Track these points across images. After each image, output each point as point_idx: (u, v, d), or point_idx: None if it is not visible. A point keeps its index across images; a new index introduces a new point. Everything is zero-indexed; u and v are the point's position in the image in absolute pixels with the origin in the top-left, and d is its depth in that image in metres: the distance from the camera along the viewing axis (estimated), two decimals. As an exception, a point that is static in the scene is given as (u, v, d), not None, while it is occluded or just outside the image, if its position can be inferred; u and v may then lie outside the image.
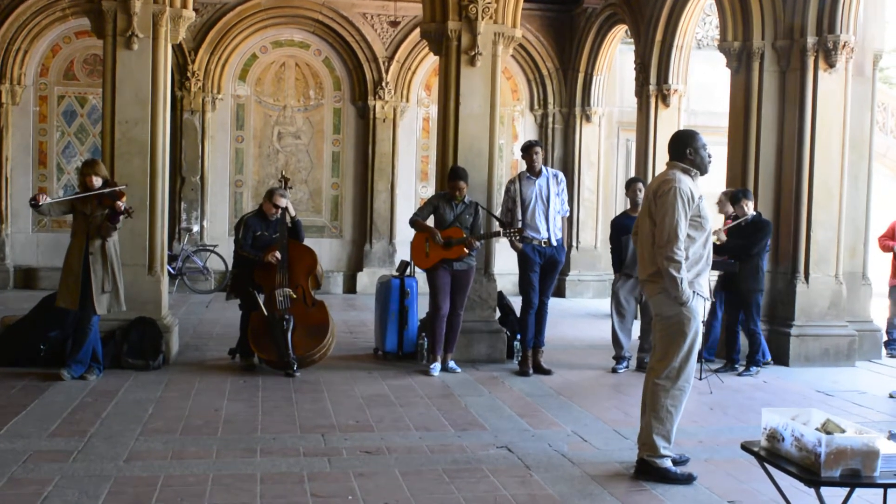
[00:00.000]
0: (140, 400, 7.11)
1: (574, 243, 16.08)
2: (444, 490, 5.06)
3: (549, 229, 8.70)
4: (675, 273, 5.28)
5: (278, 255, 8.42)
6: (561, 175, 8.99)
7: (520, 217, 8.74)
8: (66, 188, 14.82)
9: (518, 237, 8.59)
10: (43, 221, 14.83)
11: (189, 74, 15.18)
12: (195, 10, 10.32)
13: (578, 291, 16.05)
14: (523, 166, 8.96)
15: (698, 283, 5.41)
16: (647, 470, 5.39)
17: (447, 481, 5.22)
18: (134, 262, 8.59)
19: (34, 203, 7.59)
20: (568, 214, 9.07)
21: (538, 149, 8.83)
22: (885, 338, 10.71)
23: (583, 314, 13.73)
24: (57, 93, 15.20)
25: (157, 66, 8.76)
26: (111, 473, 5.19)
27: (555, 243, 8.74)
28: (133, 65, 8.68)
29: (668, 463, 5.36)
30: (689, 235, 5.37)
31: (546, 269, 8.80)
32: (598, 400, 7.72)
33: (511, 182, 8.97)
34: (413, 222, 8.78)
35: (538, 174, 8.80)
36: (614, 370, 9.03)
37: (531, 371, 8.67)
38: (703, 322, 6.32)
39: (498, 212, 9.32)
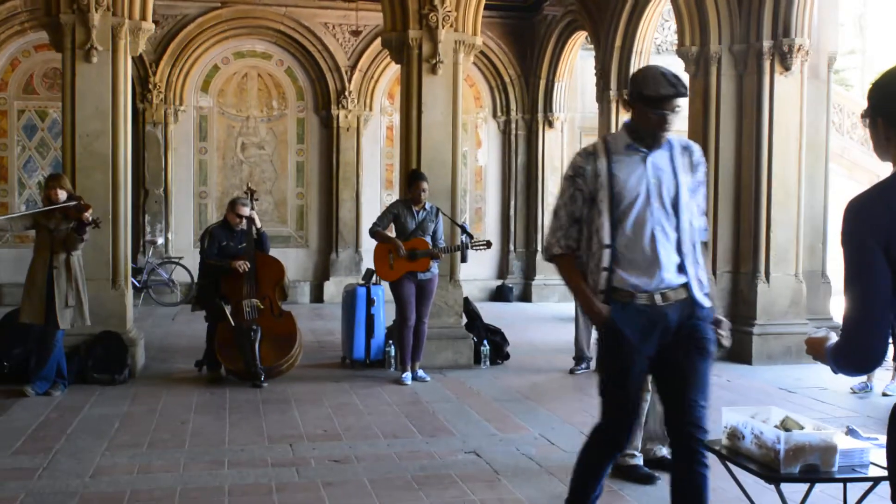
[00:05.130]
0: (106, 415, 7.06)
1: (540, 248, 16.18)
2: (413, 497, 5.08)
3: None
4: None
5: (247, 264, 8.40)
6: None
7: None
8: (27, 203, 14.66)
9: (486, 247, 8.77)
10: (5, 237, 14.66)
11: (150, 87, 15.09)
12: (155, 21, 10.27)
13: (544, 296, 16.15)
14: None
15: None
16: (615, 469, 5.48)
17: (416, 488, 5.24)
18: (98, 276, 8.53)
19: None
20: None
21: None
22: None
23: (549, 318, 13.79)
24: (17, 107, 15.04)
25: (118, 79, 8.72)
26: (77, 490, 5.15)
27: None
28: (93, 78, 8.63)
29: (630, 462, 5.43)
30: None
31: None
32: (564, 402, 7.77)
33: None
34: (374, 233, 8.45)
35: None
36: (572, 371, 9.07)
37: None
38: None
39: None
